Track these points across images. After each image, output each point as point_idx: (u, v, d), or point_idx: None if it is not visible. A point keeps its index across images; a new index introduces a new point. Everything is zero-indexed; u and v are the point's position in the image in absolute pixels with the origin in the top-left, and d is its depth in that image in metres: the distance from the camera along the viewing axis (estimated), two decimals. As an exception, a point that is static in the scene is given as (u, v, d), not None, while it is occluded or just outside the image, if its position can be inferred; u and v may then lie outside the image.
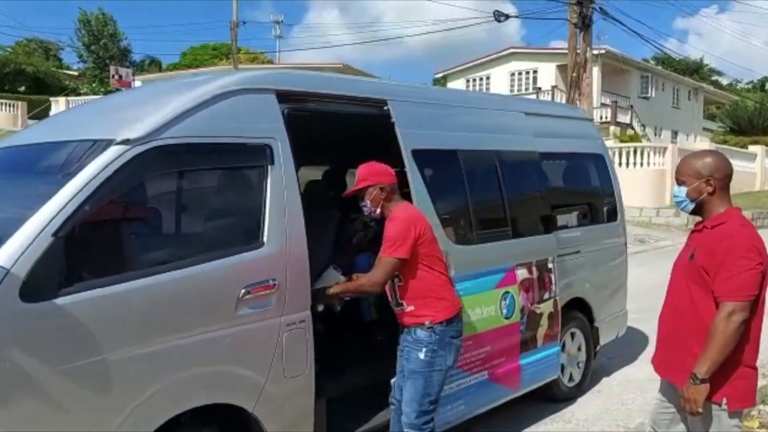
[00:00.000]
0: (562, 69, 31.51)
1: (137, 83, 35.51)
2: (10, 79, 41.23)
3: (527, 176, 5.36)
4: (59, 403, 2.67)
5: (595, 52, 24.76)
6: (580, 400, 5.67)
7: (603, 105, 31.92)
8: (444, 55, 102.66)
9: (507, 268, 4.85)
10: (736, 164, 19.00)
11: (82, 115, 4.06)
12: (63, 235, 2.67)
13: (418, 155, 4.32)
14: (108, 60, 45.30)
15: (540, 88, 32.89)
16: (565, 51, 21.65)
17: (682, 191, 3.09)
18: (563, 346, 5.53)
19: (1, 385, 2.50)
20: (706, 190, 3.04)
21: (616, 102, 32.09)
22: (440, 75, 38.62)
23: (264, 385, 3.33)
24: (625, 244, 6.50)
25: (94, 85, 44.33)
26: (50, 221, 2.66)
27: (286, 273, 3.42)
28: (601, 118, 30.15)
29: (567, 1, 18.15)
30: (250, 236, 3.37)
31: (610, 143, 19.87)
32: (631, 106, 34.08)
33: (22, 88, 40.70)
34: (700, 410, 2.95)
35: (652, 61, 43.71)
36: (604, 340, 6.08)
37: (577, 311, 5.75)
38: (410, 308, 3.70)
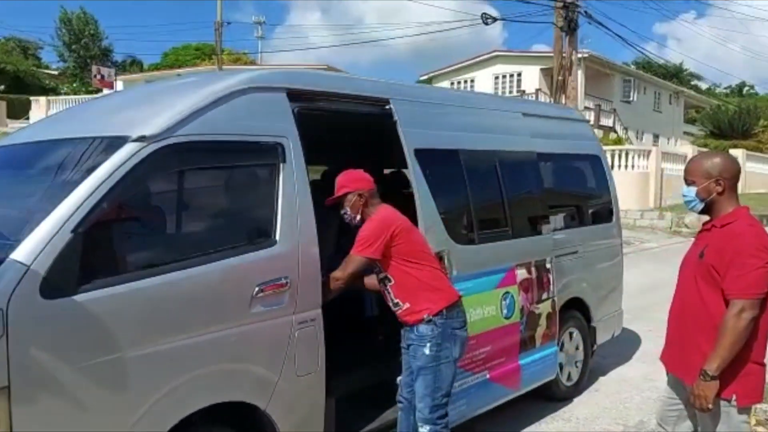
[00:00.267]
0: (545, 72, 31.74)
1: (119, 83, 35.21)
2: (-12, 78, 40.75)
3: (526, 176, 5.40)
4: (77, 401, 2.65)
5: (579, 55, 24.96)
6: (579, 399, 5.73)
7: (586, 108, 32.14)
8: (427, 57, 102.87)
9: (507, 268, 4.88)
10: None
11: (89, 112, 4.03)
12: (81, 232, 2.66)
13: (421, 155, 4.34)
14: (89, 59, 44.95)
15: (524, 91, 33.06)
16: (549, 54, 21.84)
17: (692, 191, 3.15)
18: (562, 346, 5.58)
19: (22, 382, 2.48)
20: (716, 189, 3.09)
21: (599, 105, 32.35)
22: (425, 77, 38.66)
23: (276, 383, 3.33)
24: (621, 244, 6.58)
25: (74, 84, 43.94)
26: (68, 218, 2.65)
27: (298, 271, 3.42)
28: (584, 121, 30.31)
29: (553, 5, 18.27)
30: (263, 234, 3.37)
31: (594, 146, 19.97)
32: (614, 110, 34.39)
33: (1, 87, 40.12)
34: (710, 406, 3.00)
35: (633, 66, 44.16)
36: (601, 339, 6.14)
37: (575, 311, 5.80)
38: (407, 306, 3.74)
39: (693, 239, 3.41)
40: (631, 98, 37.59)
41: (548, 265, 5.28)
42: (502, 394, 4.86)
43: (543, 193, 5.44)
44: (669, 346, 3.36)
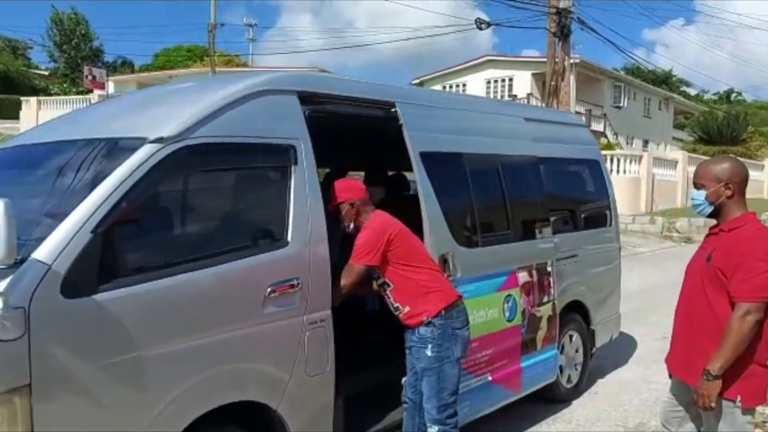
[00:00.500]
0: (537, 77, 31.91)
1: (111, 84, 35.04)
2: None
3: (527, 180, 5.45)
4: (96, 399, 2.66)
5: (570, 61, 25.11)
6: (579, 401, 5.78)
7: (577, 113, 32.33)
8: (416, 61, 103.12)
9: (509, 271, 4.93)
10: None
11: (102, 113, 4.04)
12: (101, 232, 2.68)
13: (426, 158, 4.37)
14: (80, 60, 44.71)
15: (515, 96, 33.24)
16: (541, 59, 21.91)
17: (701, 195, 3.20)
18: (562, 349, 5.64)
19: (43, 379, 2.50)
20: (725, 193, 3.15)
21: (590, 111, 32.54)
22: (416, 81, 38.75)
23: (288, 382, 3.36)
24: (619, 248, 6.64)
25: (65, 85, 43.71)
26: (88, 218, 2.67)
27: (309, 272, 3.46)
28: (575, 126, 30.47)
29: (546, 11, 18.37)
30: (276, 235, 3.40)
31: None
32: (605, 115, 34.62)
33: (-9, 87, 39.94)
34: (713, 405, 3.05)
35: (622, 71, 44.46)
36: (600, 342, 6.20)
37: (575, 314, 5.86)
38: (407, 309, 3.79)
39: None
40: (621, 104, 37.86)
41: (549, 269, 5.33)
42: (505, 396, 4.90)
43: (544, 197, 5.49)
44: (674, 349, 3.41)
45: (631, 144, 37.36)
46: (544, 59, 20.84)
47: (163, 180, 3.01)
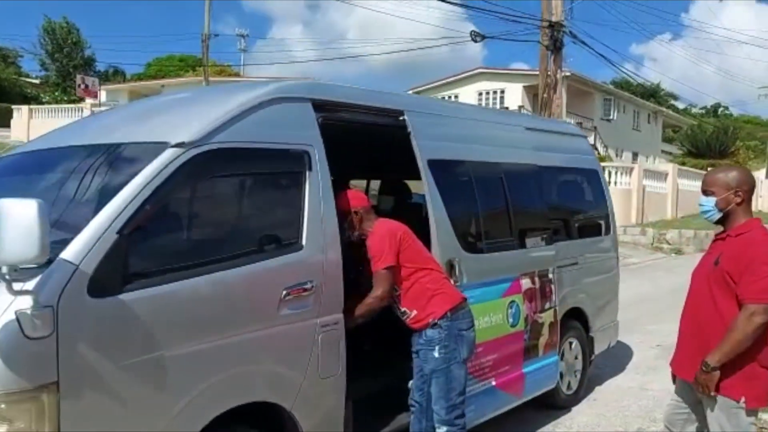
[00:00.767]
0: (528, 90, 32.13)
1: (103, 93, 34.98)
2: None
3: (530, 188, 5.55)
4: (120, 397, 2.71)
5: (562, 74, 25.31)
6: (579, 408, 5.85)
7: (568, 126, 32.53)
8: (410, 72, 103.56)
9: (513, 277, 5.00)
10: (696, 186, 19.64)
11: (117, 119, 4.09)
12: (126, 233, 2.74)
13: (434, 165, 4.45)
14: (72, 69, 44.58)
15: (507, 108, 33.42)
16: (533, 72, 22.06)
17: (711, 201, 3.31)
18: (562, 355, 5.71)
19: (70, 377, 2.54)
20: (734, 200, 3.26)
21: (580, 123, 32.68)
22: (409, 92, 38.91)
23: (301, 384, 3.41)
24: (617, 257, 6.74)
25: (56, 94, 43.56)
26: (114, 220, 2.73)
27: (323, 276, 3.52)
28: (566, 138, 30.68)
29: (539, 25, 18.55)
30: (291, 239, 3.46)
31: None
32: (595, 128, 34.82)
33: (-19, 96, 39.73)
34: (713, 393, 3.15)
35: (611, 84, 44.83)
36: (598, 349, 6.29)
37: (575, 321, 5.94)
38: (414, 313, 3.88)
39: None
40: (611, 116, 38.14)
41: (551, 276, 5.41)
42: (508, 401, 4.96)
43: (545, 205, 5.59)
44: (680, 351, 3.49)
45: (621, 157, 37.59)
46: (536, 72, 21.02)
47: (184, 184, 3.07)
